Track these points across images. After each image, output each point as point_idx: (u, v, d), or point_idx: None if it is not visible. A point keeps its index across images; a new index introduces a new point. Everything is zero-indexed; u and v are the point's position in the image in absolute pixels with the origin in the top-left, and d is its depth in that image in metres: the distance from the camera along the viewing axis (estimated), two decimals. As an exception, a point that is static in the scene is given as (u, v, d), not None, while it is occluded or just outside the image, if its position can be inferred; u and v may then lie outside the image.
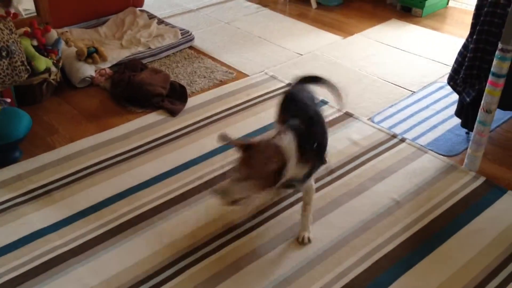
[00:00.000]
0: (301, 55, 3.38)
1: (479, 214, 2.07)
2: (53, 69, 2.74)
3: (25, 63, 2.40)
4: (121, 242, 1.94)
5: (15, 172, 2.29)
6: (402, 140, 2.52)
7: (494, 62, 2.03)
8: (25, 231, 1.98)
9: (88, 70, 2.94)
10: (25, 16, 3.01)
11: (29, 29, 2.76)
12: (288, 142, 1.63)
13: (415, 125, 2.64)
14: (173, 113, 2.71)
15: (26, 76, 2.45)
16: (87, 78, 2.93)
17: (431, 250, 1.90)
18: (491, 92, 2.09)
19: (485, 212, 2.08)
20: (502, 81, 2.05)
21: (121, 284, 1.77)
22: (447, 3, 4.14)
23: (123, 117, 2.71)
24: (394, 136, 2.55)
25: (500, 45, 1.98)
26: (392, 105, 2.81)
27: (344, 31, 3.72)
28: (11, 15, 2.73)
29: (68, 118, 2.70)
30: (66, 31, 3.25)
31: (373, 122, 2.66)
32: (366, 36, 3.65)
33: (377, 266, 1.83)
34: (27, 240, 1.94)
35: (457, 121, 2.59)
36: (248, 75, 3.13)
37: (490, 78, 2.07)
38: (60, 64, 2.84)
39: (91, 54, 2.99)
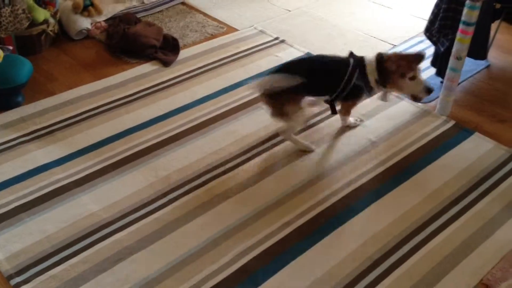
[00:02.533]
0: (290, 11, 3.52)
1: (447, 152, 2.26)
2: (51, 20, 2.87)
3: (26, 11, 2.53)
4: (120, 175, 2.12)
5: (18, 115, 2.45)
6: (381, 89, 2.69)
7: (464, 11, 2.19)
8: (31, 165, 2.16)
9: (84, 23, 3.07)
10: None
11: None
12: None
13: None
14: (166, 63, 2.86)
15: (27, 24, 2.59)
16: (83, 30, 3.06)
17: (401, 181, 2.11)
18: (461, 40, 2.26)
19: (453, 150, 2.27)
20: (471, 29, 2.22)
21: (121, 209, 1.96)
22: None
23: (119, 67, 2.86)
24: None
25: (469, -5, 2.14)
26: (373, 57, 2.97)
27: (332, -11, 3.84)
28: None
29: (66, 67, 2.84)
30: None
31: (354, 72, 2.83)
32: (352, -6, 3.78)
33: (352, 196, 2.04)
34: (33, 173, 2.12)
35: (433, 71, 2.76)
36: (238, 30, 3.27)
37: (461, 26, 2.23)
38: (58, 16, 2.97)
39: (87, 7, 3.11)
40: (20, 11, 2.49)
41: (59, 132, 2.36)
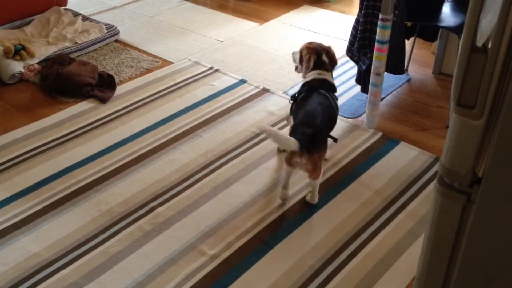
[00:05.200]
0: (222, 41, 3.65)
1: (376, 162, 2.41)
2: (-18, 66, 2.85)
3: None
4: (61, 214, 2.12)
5: (-48, 163, 2.41)
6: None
7: (378, 30, 2.37)
8: (-33, 212, 2.13)
9: (17, 67, 3.06)
10: None
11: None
12: None
13: (324, 95, 2.97)
14: (103, 100, 2.89)
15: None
16: (16, 74, 3.05)
17: (336, 194, 2.22)
18: (378, 57, 2.44)
19: (381, 160, 2.43)
20: (386, 47, 2.40)
21: (63, 247, 1.96)
22: (353, -11, 4.54)
23: (55, 107, 2.87)
24: (305, 105, 2.86)
25: (380, 16, 2.33)
26: (304, 80, 3.13)
27: (261, 18, 4.02)
28: None
29: (0, 112, 2.82)
30: (-9, 32, 3.34)
31: (287, 95, 2.97)
32: (281, 21, 3.97)
33: (289, 211, 2.13)
34: (-30, 220, 2.09)
35: (358, 88, 2.94)
36: (173, 63, 3.35)
37: (376, 45, 2.41)
38: (-12, 62, 2.95)
39: (19, 51, 3.11)
40: None
41: (-5, 176, 2.34)
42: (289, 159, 2.05)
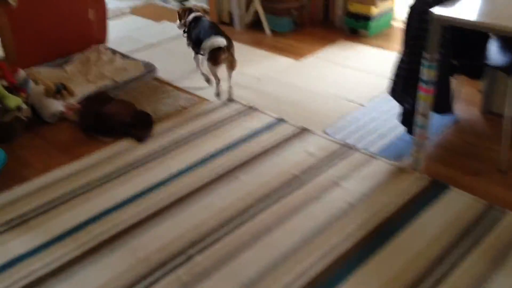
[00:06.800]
0: (259, 78, 3.62)
1: (425, 209, 2.28)
2: (24, 106, 2.88)
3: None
4: (98, 260, 2.07)
5: (-9, 205, 2.41)
6: (355, 149, 2.74)
7: (423, 70, 2.28)
8: (3, 258, 2.09)
9: (57, 106, 3.09)
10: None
11: (-2, 71, 2.91)
12: None
13: (366, 135, 2.87)
14: (140, 139, 2.88)
15: (-1, 114, 2.61)
16: (57, 113, 3.08)
17: (384, 244, 2.10)
18: (424, 97, 2.34)
19: (430, 207, 2.29)
20: (432, 87, 2.31)
21: (100, 297, 1.90)
22: (391, 23, 4.47)
23: (93, 146, 2.86)
24: (347, 146, 2.77)
25: (425, 55, 2.24)
26: (344, 118, 3.05)
27: (298, 54, 3.98)
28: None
29: (40, 152, 2.83)
30: (34, 71, 3.40)
31: (327, 134, 2.89)
32: (318, 57, 3.92)
33: (334, 264, 2.01)
34: (6, 266, 2.05)
35: (402, 128, 2.83)
36: (209, 100, 3.33)
37: (421, 85, 2.32)
38: (30, 101, 2.99)
39: (60, 91, 3.15)
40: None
41: (33, 220, 2.31)
42: (217, 58, 3.11)
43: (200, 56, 3.47)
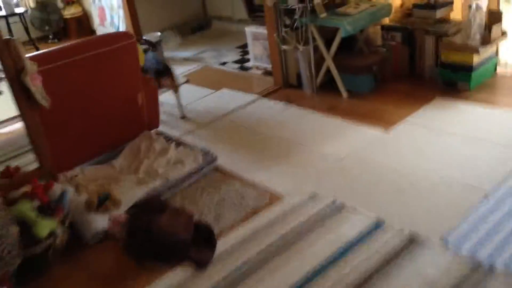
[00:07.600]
0: (341, 159, 2.92)
1: None
2: (58, 231, 2.36)
3: (16, 247, 2.02)
4: None
5: None
6: (492, 272, 1.94)
7: None
8: None
9: (101, 222, 2.55)
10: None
11: (28, 189, 2.42)
12: None
13: (504, 243, 2.07)
14: (201, 265, 2.25)
15: (20, 260, 2.07)
16: (100, 233, 2.53)
17: None
18: None
19: None
20: None
21: None
22: (495, 70, 3.66)
23: (143, 277, 2.26)
24: (480, 266, 1.98)
25: None
26: (466, 216, 2.27)
27: (384, 121, 3.26)
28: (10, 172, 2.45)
29: (81, 284, 2.28)
30: (76, 175, 2.92)
31: (447, 245, 2.12)
32: (411, 123, 3.18)
33: None
34: None
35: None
36: (283, 196, 2.67)
37: None
38: (68, 221, 2.47)
39: (103, 202, 2.62)
40: (5, 252, 1.97)
41: None
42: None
43: None
